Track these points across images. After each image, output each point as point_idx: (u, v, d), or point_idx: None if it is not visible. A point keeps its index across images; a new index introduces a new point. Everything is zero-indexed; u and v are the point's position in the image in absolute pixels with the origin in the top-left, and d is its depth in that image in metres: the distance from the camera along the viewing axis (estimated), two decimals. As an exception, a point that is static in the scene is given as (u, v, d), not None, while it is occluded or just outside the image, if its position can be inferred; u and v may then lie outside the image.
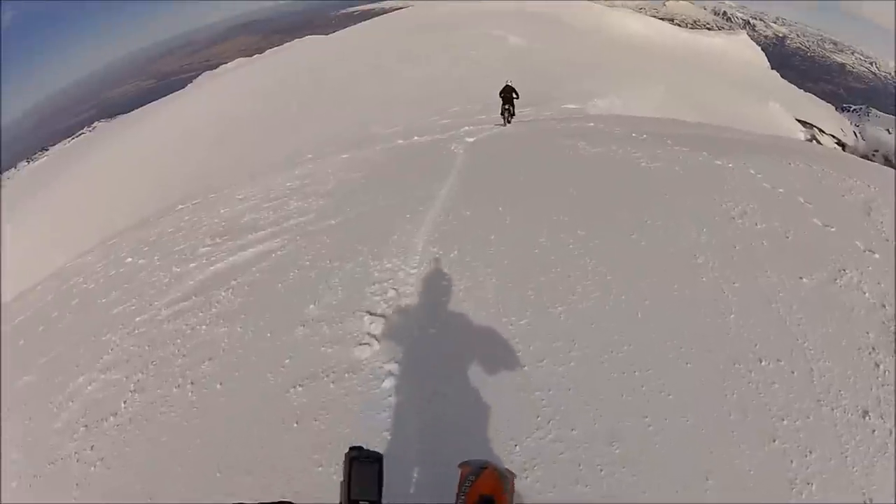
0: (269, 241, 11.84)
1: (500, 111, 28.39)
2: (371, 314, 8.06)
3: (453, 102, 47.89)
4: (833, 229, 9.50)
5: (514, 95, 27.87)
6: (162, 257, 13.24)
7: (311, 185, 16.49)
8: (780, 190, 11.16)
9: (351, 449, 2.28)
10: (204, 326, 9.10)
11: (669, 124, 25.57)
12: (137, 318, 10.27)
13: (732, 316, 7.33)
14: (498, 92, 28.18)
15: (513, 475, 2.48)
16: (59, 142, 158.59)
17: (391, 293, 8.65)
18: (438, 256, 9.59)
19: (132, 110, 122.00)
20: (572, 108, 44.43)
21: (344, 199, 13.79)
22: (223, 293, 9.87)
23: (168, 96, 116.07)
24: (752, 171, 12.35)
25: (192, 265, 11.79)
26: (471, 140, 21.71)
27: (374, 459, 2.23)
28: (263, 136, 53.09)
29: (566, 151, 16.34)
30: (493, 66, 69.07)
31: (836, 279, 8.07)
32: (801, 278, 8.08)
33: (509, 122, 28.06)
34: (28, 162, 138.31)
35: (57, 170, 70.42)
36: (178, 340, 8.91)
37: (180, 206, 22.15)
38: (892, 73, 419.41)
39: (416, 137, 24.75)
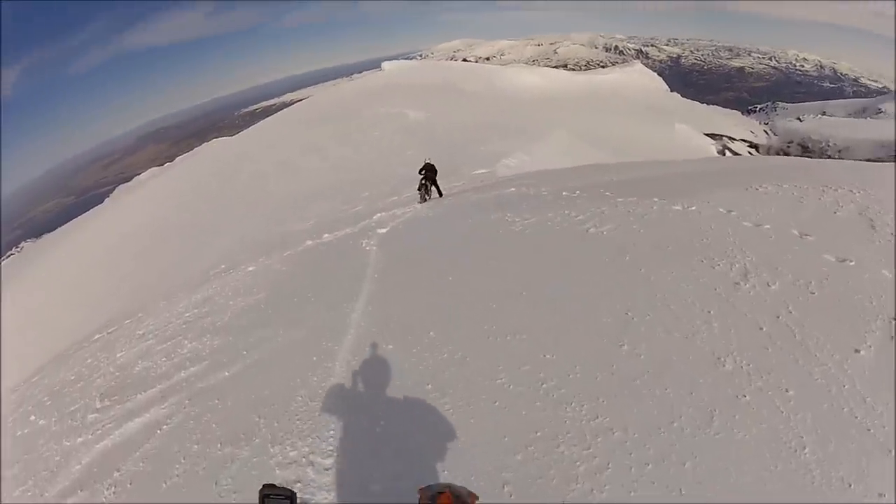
0: (157, 406, 9.44)
1: (417, 187, 27.25)
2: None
3: (362, 188, 46.21)
4: (851, 262, 7.90)
5: (434, 173, 27.07)
6: (59, 419, 11.11)
7: (209, 314, 13.95)
8: (766, 226, 9.62)
9: (264, 486, 2.55)
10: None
11: (592, 172, 23.79)
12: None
13: (807, 452, 5.09)
14: (417, 170, 27.28)
15: (474, 497, 2.64)
16: None
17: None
18: (359, 427, 6.96)
19: (56, 227, 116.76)
20: (483, 172, 43.12)
21: (241, 336, 11.13)
22: (106, 490, 7.86)
23: (88, 212, 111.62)
24: (721, 210, 10.89)
25: (79, 439, 9.62)
26: (383, 231, 18.97)
27: (286, 497, 2.54)
28: (181, 247, 51.27)
29: (494, 229, 13.95)
30: (397, 145, 70.09)
31: (892, 335, 6.27)
32: (856, 351, 6.12)
33: (428, 198, 26.77)
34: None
35: None
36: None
37: (96, 336, 20.03)
38: (792, 63, 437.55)
39: (325, 235, 21.96)
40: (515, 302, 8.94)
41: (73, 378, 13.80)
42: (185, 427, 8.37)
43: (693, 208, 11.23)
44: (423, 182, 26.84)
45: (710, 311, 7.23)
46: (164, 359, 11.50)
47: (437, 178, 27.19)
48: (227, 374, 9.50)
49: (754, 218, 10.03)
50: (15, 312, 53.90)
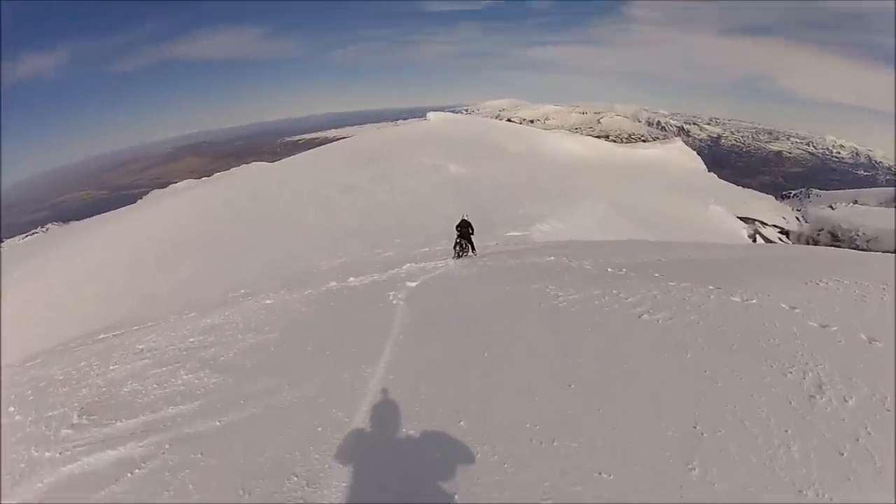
0: (135, 441, 8.15)
1: (453, 244, 26.27)
2: None
3: (395, 234, 47.18)
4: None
5: (470, 230, 26.13)
6: (35, 420, 10.13)
7: (214, 345, 12.73)
8: (833, 328, 8.63)
9: None
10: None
11: (634, 248, 22.84)
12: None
13: None
14: (454, 225, 26.34)
15: None
16: (14, 236, 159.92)
17: None
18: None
19: (85, 217, 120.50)
20: (516, 234, 42.66)
21: (243, 380, 9.89)
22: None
23: (120, 209, 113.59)
24: (783, 306, 9.89)
25: (47, 454, 8.49)
26: (413, 285, 17.81)
27: None
28: (206, 262, 52.22)
29: (535, 301, 12.71)
30: (434, 196, 70.00)
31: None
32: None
33: (462, 255, 25.86)
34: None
35: (8, 267, 66.77)
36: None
37: (101, 336, 20.32)
38: (829, 149, 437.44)
39: (351, 279, 21.04)
40: (562, 394, 7.64)
41: (61, 378, 13.11)
42: (159, 478, 7.16)
43: (753, 301, 10.30)
44: (459, 239, 25.96)
45: (786, 431, 6.13)
46: (155, 385, 10.39)
47: (472, 235, 26.32)
48: (218, 423, 8.25)
49: (819, 317, 9.13)
50: (31, 290, 54.71)
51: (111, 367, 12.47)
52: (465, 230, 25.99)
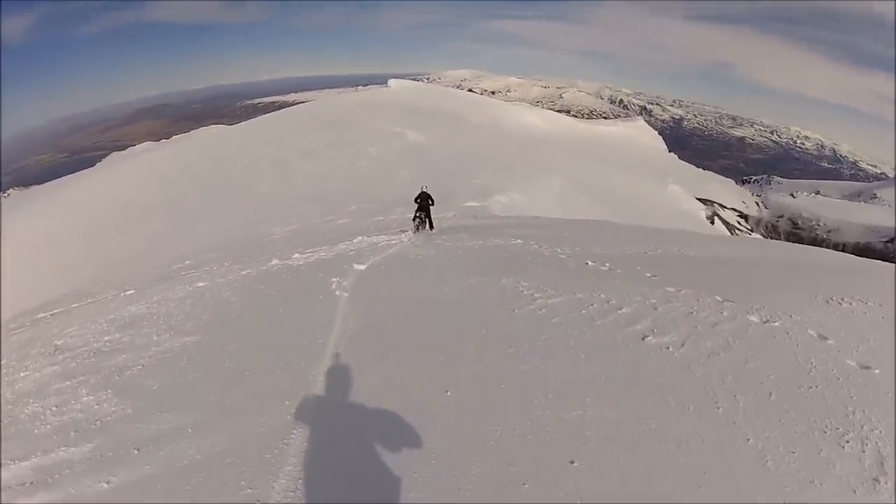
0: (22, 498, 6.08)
1: (412, 217, 24.69)
2: None
3: (351, 200, 46.61)
4: None
5: (430, 202, 24.88)
6: None
7: (126, 349, 10.05)
8: (876, 371, 7.29)
9: None
10: None
11: (609, 234, 20.82)
12: None
13: None
14: (413, 197, 25.06)
15: None
16: None
17: None
18: None
19: (46, 181, 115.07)
20: (474, 205, 41.87)
21: (144, 409, 7.44)
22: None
23: (79, 172, 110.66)
24: (812, 333, 8.40)
25: None
26: (361, 268, 15.26)
27: None
28: (161, 227, 52.31)
29: (506, 304, 10.28)
30: (392, 163, 69.34)
31: None
32: None
33: (420, 229, 24.32)
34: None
35: None
36: None
37: (39, 315, 18.40)
38: (793, 139, 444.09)
39: (296, 255, 18.79)
40: (554, 458, 5.49)
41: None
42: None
43: (776, 324, 8.58)
44: (418, 212, 24.43)
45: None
46: (54, 408, 8.04)
47: (431, 207, 24.94)
48: (106, 484, 6.08)
49: (856, 353, 7.79)
50: None
51: (22, 374, 10.07)
52: (424, 202, 24.63)
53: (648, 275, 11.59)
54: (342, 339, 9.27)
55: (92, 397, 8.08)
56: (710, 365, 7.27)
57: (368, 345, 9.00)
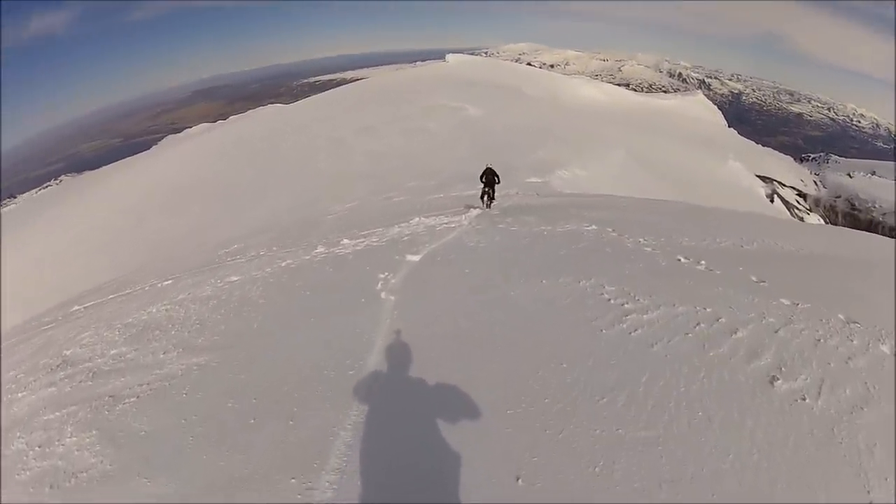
0: None
1: (479, 195, 24.50)
2: None
3: (409, 177, 45.69)
4: None
5: (496, 180, 24.19)
6: None
7: (126, 372, 8.36)
8: None
9: None
10: None
11: (692, 219, 18.89)
12: None
13: None
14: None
15: None
16: (29, 190, 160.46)
17: None
18: None
19: (100, 167, 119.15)
20: (536, 181, 40.70)
21: (121, 469, 5.87)
22: None
23: (134, 156, 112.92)
24: None
25: None
26: (414, 259, 13.20)
27: None
28: (214, 210, 51.79)
29: (587, 316, 8.25)
30: (450, 139, 68.17)
31: None
32: None
33: (489, 206, 24.08)
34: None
35: (23, 222, 66.94)
36: None
37: (74, 308, 17.77)
38: (849, 116, 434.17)
39: (344, 241, 17.09)
40: None
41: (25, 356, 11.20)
42: None
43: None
44: (486, 188, 23.97)
45: None
46: (37, 448, 6.75)
47: (496, 184, 24.20)
48: None
49: None
50: (39, 248, 54.56)
51: (20, 395, 8.78)
52: (490, 178, 23.97)
53: (754, 279, 9.61)
54: (378, 374, 7.16)
55: (76, 438, 6.67)
56: (854, 426, 5.47)
57: (410, 386, 6.89)
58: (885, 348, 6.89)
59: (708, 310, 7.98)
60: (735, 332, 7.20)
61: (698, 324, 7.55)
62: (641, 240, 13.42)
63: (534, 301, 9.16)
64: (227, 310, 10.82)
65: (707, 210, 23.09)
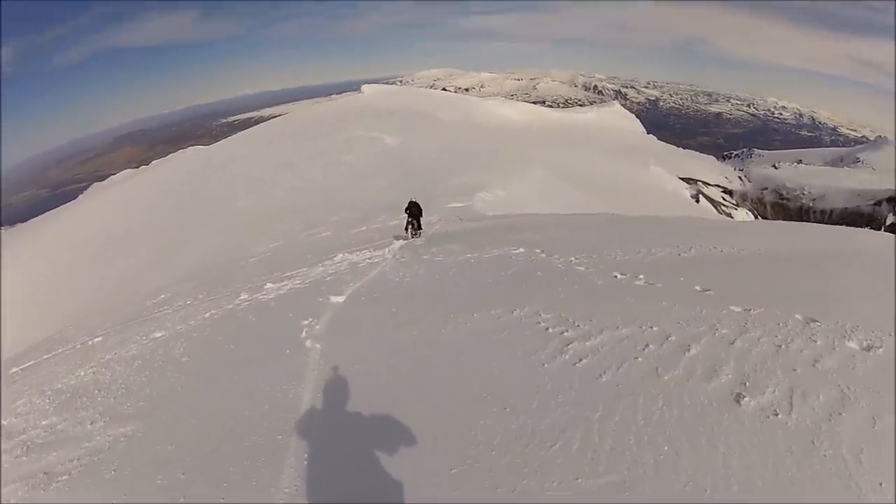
0: None
1: (404, 226, 26.18)
2: None
3: (332, 212, 45.15)
4: None
5: (420, 212, 25.93)
6: None
7: (60, 442, 7.82)
8: None
9: None
10: None
11: (621, 230, 18.40)
12: None
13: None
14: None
15: None
16: None
17: None
18: None
19: (30, 218, 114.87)
20: (458, 206, 40.38)
21: None
22: None
23: (61, 207, 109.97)
24: None
25: None
26: (339, 301, 12.55)
27: None
28: (142, 258, 51.51)
29: (527, 350, 7.52)
30: (370, 170, 68.47)
31: None
32: None
33: (415, 235, 25.41)
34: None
35: None
36: None
37: (13, 369, 15.99)
38: (770, 110, 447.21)
39: (268, 285, 16.43)
40: None
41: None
42: None
43: (881, 351, 6.33)
44: (410, 219, 25.60)
45: None
46: None
47: (420, 217, 25.90)
48: None
49: None
50: None
51: None
52: (413, 210, 25.54)
53: (698, 288, 9.07)
54: (309, 430, 6.45)
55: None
56: (834, 434, 4.97)
57: (343, 443, 6.17)
58: (853, 344, 6.44)
59: (654, 328, 7.42)
60: (688, 350, 6.64)
61: (647, 345, 6.95)
62: (573, 259, 12.82)
63: (466, 336, 8.53)
64: (151, 371, 10.17)
65: (634, 220, 22.40)
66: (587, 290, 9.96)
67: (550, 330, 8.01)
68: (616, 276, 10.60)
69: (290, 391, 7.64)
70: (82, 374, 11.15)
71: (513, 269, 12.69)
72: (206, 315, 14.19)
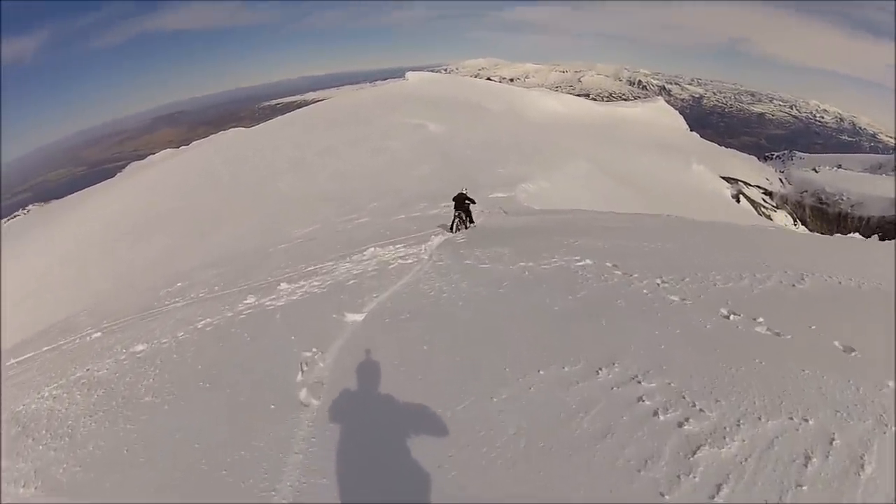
0: None
1: (451, 223, 23.96)
2: None
3: (371, 198, 43.60)
4: None
5: (468, 201, 23.96)
6: None
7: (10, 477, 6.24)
8: None
9: None
10: None
11: (700, 241, 15.32)
12: None
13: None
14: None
15: None
16: None
17: None
18: None
19: (65, 195, 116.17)
20: (501, 196, 38.95)
21: None
22: None
23: (98, 184, 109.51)
24: None
25: None
26: (357, 320, 10.07)
27: None
28: (176, 239, 49.68)
29: (637, 479, 4.53)
30: (413, 157, 66.59)
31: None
32: None
33: (461, 228, 23.69)
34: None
35: None
36: None
37: (46, 347, 15.15)
38: (812, 113, 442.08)
39: (282, 285, 14.33)
40: None
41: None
42: None
43: None
44: (458, 213, 23.70)
45: None
46: None
47: (469, 207, 24.14)
48: None
49: None
50: (11, 279, 51.87)
51: None
52: (461, 203, 23.75)
53: (838, 345, 6.41)
54: None
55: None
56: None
57: None
58: None
59: (810, 422, 4.83)
60: (861, 467, 4.25)
61: (808, 457, 4.40)
62: (658, 281, 9.70)
63: (531, 416, 5.72)
64: (105, 413, 7.52)
65: (706, 226, 18.19)
66: (694, 339, 6.98)
67: (661, 417, 5.28)
68: (727, 317, 7.63)
69: (256, 486, 5.20)
70: (46, 393, 8.91)
71: (583, 293, 9.64)
72: (200, 325, 11.80)
